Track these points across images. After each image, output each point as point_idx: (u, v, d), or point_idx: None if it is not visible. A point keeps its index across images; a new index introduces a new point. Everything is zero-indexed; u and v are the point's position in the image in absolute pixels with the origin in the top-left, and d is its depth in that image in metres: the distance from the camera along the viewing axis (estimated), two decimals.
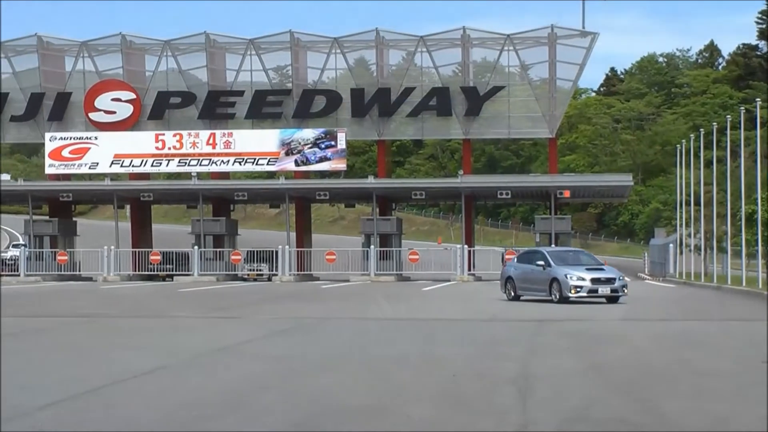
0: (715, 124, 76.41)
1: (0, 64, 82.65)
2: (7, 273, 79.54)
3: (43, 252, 78.89)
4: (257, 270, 76.74)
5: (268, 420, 15.66)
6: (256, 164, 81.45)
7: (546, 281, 44.80)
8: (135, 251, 79.69)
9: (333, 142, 78.93)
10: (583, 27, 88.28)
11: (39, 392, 18.30)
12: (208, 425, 15.29)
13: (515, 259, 51.06)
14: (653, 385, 19.48)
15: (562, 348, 26.42)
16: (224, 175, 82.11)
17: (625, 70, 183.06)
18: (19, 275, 77.43)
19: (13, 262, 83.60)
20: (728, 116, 75.29)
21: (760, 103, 62.09)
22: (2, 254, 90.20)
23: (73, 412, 16.56)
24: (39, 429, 13.42)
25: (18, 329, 32.61)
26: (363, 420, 15.71)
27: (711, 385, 19.88)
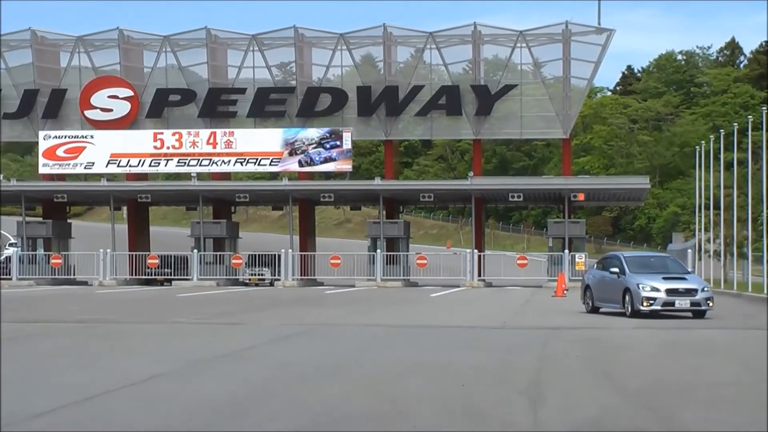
0: (735, 124, 76.41)
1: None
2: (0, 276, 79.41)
3: (36, 255, 79.01)
4: (259, 274, 76.69)
5: (272, 427, 15.87)
6: (259, 165, 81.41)
7: (620, 291, 40.51)
8: (132, 254, 79.76)
9: (338, 142, 78.97)
10: (599, 23, 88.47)
11: (35, 399, 18.51)
12: None
13: (594, 265, 47.69)
14: (666, 393, 19.68)
15: (573, 355, 26.62)
16: (225, 176, 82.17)
17: (642, 68, 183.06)
18: (11, 278, 77.45)
19: (4, 264, 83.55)
20: (749, 117, 75.35)
21: None
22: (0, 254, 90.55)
23: (71, 420, 16.80)
24: None
25: (12, 334, 32.83)
26: (363, 427, 15.93)
27: (725, 394, 20.10)
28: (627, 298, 39.67)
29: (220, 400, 18.61)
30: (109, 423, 16.27)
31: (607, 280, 42.11)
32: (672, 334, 33.57)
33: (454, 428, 15.84)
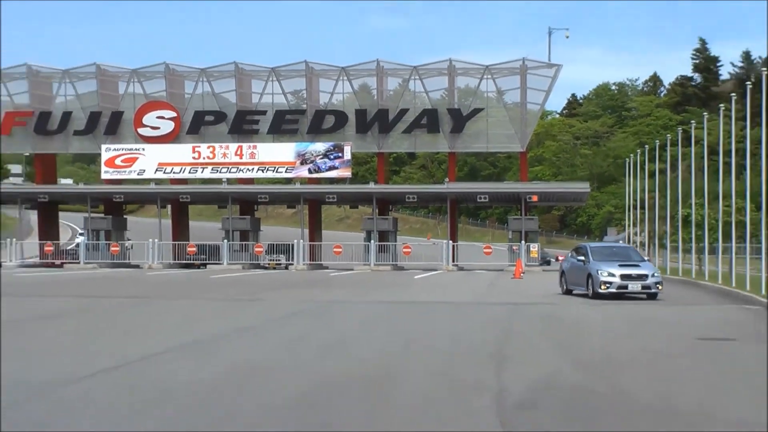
0: (657, 141, 76.47)
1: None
2: (69, 261, 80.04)
3: (99, 244, 78.91)
4: (276, 260, 76.66)
5: (282, 391, 15.43)
6: (276, 172, 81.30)
7: (584, 276, 39.40)
8: (175, 243, 79.63)
9: (340, 154, 78.87)
10: (549, 60, 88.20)
11: (97, 361, 18.09)
12: (224, 400, 15.03)
13: (570, 254, 45.26)
14: (610, 360, 19.31)
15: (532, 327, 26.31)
16: (249, 181, 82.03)
17: (583, 95, 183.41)
18: (79, 262, 77.53)
19: (74, 251, 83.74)
20: (668, 135, 75.47)
21: (695, 124, 61.87)
22: (73, 242, 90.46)
23: (124, 377, 16.34)
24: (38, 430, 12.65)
25: (78, 307, 32.45)
26: (360, 390, 15.49)
27: (653, 360, 19.70)
28: (590, 282, 38.58)
29: (237, 368, 18.19)
30: (143, 384, 15.83)
31: (576, 266, 41.16)
32: (593, 308, 33.36)
33: (438, 395, 15.36)
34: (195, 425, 12.71)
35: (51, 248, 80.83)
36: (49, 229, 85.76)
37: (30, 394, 14.89)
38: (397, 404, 14.31)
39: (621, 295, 37.73)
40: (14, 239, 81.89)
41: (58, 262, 78.91)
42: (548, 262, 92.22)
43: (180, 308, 33.73)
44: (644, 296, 38.30)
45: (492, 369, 17.79)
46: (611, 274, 37.81)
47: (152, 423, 12.79)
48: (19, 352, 20.54)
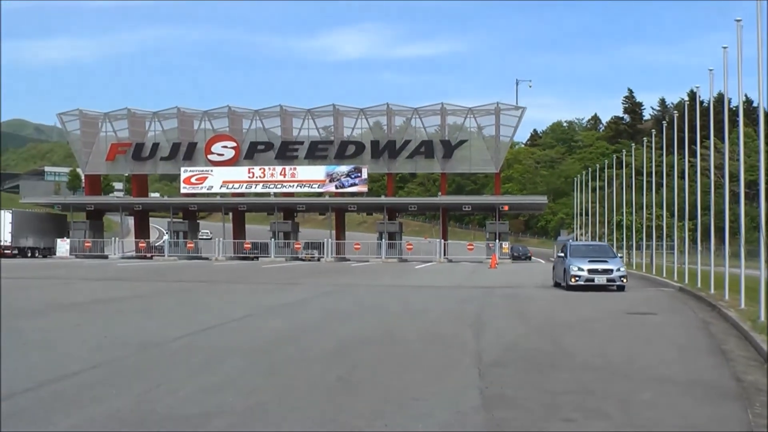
0: (597, 165, 76.73)
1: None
2: (157, 254, 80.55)
3: (178, 241, 79.03)
4: (311, 254, 76.61)
5: (316, 348, 15.81)
6: (311, 187, 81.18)
7: (562, 270, 35.43)
8: (235, 241, 79.59)
9: (359, 174, 78.80)
10: (517, 103, 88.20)
11: (171, 330, 18.45)
12: (276, 354, 15.41)
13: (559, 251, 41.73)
14: (556, 327, 19.60)
15: (501, 303, 26.57)
16: (290, 194, 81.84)
17: (542, 130, 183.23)
18: (164, 255, 78.07)
19: (161, 247, 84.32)
20: (606, 161, 75.67)
21: (625, 153, 62.20)
22: (160, 240, 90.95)
23: (199, 340, 16.71)
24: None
25: (161, 290, 32.78)
26: (375, 346, 15.85)
27: (592, 327, 20.02)
28: (565, 275, 34.36)
29: (284, 331, 18.54)
30: (217, 343, 16.20)
31: (559, 262, 37.18)
32: (550, 291, 33.58)
33: (431, 349, 15.70)
34: (259, 369, 13.16)
35: (144, 245, 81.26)
36: (142, 231, 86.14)
37: (152, 347, 15.34)
38: (398, 356, 14.71)
39: (589, 287, 33.31)
40: (117, 238, 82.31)
41: (149, 255, 79.19)
42: (529, 258, 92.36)
43: (242, 289, 34.08)
44: (614, 287, 33.78)
45: (471, 332, 18.18)
46: (580, 269, 33.82)
47: (232, 364, 13.23)
48: (139, 320, 20.99)
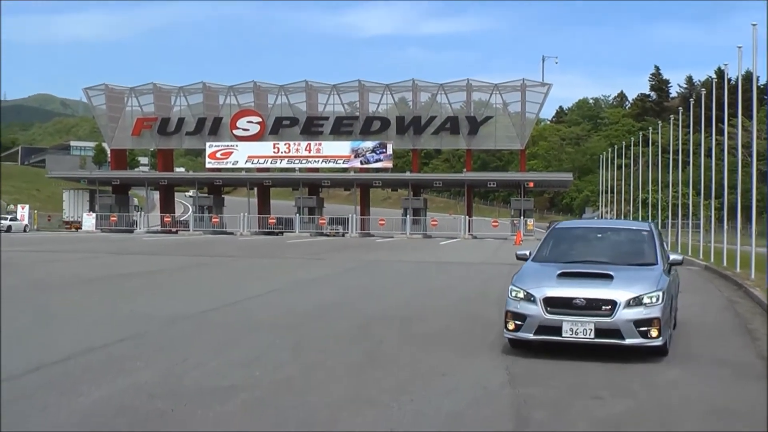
0: (623, 142, 76.27)
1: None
2: (182, 228, 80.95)
3: (203, 216, 79.31)
4: (335, 229, 76.69)
5: (341, 324, 15.86)
6: (336, 163, 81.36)
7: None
8: (259, 217, 79.81)
9: (384, 150, 78.81)
10: (543, 80, 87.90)
11: (200, 303, 18.55)
12: (302, 329, 15.47)
13: None
14: None
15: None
16: (315, 170, 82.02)
17: (568, 107, 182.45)
18: (189, 230, 78.30)
19: (185, 221, 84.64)
20: (631, 138, 75.33)
21: (651, 130, 61.89)
22: (186, 214, 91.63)
23: (226, 315, 16.82)
24: None
25: (187, 264, 32.92)
26: (401, 323, 15.90)
27: None
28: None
29: (310, 307, 18.61)
30: (242, 318, 16.29)
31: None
32: None
33: (457, 326, 15.73)
34: (285, 344, 13.24)
35: (169, 219, 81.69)
36: (167, 205, 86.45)
37: (178, 321, 15.46)
38: (424, 333, 14.75)
39: (552, 345, 15.80)
40: (143, 212, 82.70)
41: (174, 229, 79.58)
42: None
43: (268, 264, 34.18)
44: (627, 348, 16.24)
45: (497, 309, 18.20)
46: (529, 297, 12.85)
47: (258, 338, 13.32)
48: (164, 294, 21.12)
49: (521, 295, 12.91)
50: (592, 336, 12.10)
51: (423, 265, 34.57)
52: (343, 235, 74.22)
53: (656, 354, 12.23)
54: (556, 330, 12.32)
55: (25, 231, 75.95)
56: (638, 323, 12.10)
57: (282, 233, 75.28)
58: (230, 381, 10.38)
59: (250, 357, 12.17)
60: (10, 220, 76.90)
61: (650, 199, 64.74)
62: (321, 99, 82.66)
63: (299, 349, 12.97)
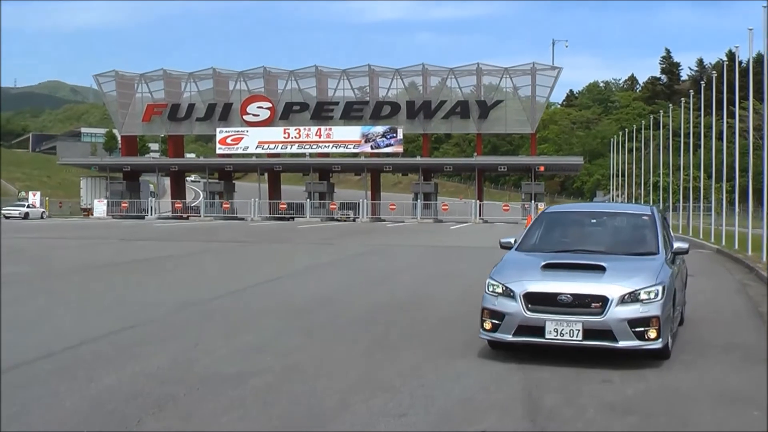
0: (634, 126, 76.10)
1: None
2: (193, 214, 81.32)
3: (214, 202, 79.45)
4: (346, 214, 76.75)
5: (350, 309, 15.87)
6: (346, 148, 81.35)
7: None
8: (270, 202, 79.84)
9: (395, 135, 78.74)
10: (553, 63, 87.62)
11: (210, 289, 18.57)
12: (312, 315, 15.49)
13: None
14: None
15: None
16: (325, 155, 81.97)
17: (578, 91, 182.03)
18: (200, 216, 78.53)
19: (196, 207, 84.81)
20: (642, 121, 75.02)
21: (662, 113, 61.70)
22: (196, 200, 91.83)
23: (232, 302, 16.84)
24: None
25: (199, 249, 32.96)
26: (412, 308, 15.90)
27: None
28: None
29: (320, 292, 18.62)
30: (252, 304, 16.31)
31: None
32: None
33: (466, 311, 15.73)
34: (295, 330, 13.26)
35: (180, 205, 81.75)
36: (178, 191, 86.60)
37: (189, 307, 15.49)
38: (435, 318, 14.75)
39: (532, 347, 14.29)
40: (153, 198, 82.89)
41: (185, 215, 79.66)
42: None
43: (278, 249, 34.20)
44: (621, 350, 12.59)
45: None
46: (508, 292, 11.34)
47: (268, 325, 13.35)
48: (174, 280, 21.16)
49: (499, 289, 11.45)
50: (580, 337, 10.63)
51: (434, 250, 34.56)
52: (353, 220, 74.26)
53: (656, 358, 10.92)
54: (539, 330, 10.84)
55: (42, 218, 76.69)
56: (633, 323, 10.64)
57: (293, 218, 75.32)
58: (241, 366, 10.41)
59: (260, 343, 12.20)
60: (28, 207, 78.00)
61: (661, 182, 64.62)
62: (331, 84, 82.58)
63: (310, 334, 12.98)
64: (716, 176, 43.94)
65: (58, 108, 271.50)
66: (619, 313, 10.61)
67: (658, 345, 10.63)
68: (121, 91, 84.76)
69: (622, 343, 10.55)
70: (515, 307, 11.00)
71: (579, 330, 10.60)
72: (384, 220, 74.22)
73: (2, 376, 9.73)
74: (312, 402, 8.84)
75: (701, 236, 43.38)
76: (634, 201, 74.05)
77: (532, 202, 72.37)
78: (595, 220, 13.69)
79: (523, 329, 10.91)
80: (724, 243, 36.05)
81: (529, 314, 10.88)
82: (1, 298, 15.92)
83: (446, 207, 77.11)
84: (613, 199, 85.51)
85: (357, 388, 9.40)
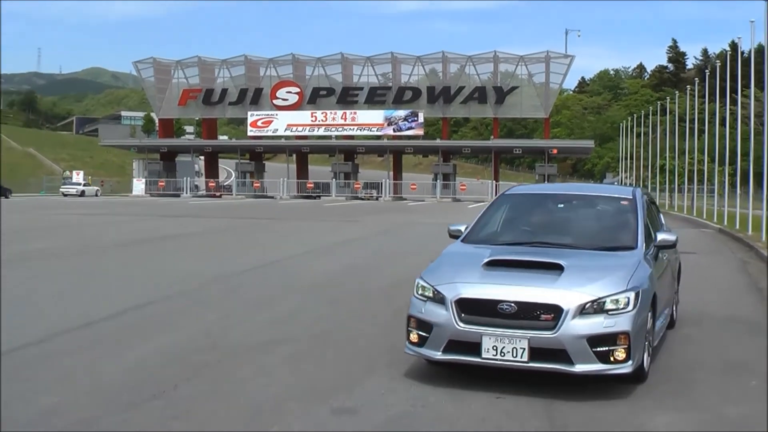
0: (642, 112, 75.68)
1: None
2: (225, 193, 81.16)
3: (245, 181, 79.64)
4: (370, 193, 76.79)
5: (374, 282, 15.87)
6: (370, 131, 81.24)
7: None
8: (298, 181, 80.00)
9: (416, 118, 78.67)
10: (566, 52, 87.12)
11: (239, 263, 18.59)
12: (337, 288, 15.49)
13: None
14: None
15: None
16: (350, 137, 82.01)
17: (590, 78, 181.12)
18: (232, 195, 78.56)
19: (228, 186, 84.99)
20: (650, 108, 74.57)
21: (668, 100, 61.32)
22: (229, 180, 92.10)
23: (255, 277, 16.87)
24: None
25: (228, 226, 33.04)
26: None
27: None
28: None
29: (345, 267, 18.64)
30: (283, 278, 16.33)
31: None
32: None
33: None
34: (321, 302, 13.27)
35: (213, 184, 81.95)
36: (212, 171, 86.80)
37: (220, 280, 15.54)
38: None
39: (466, 368, 9.91)
40: (188, 177, 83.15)
41: (218, 194, 79.79)
42: None
43: (305, 226, 34.22)
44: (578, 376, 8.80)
45: None
46: (437, 297, 8.39)
47: (295, 297, 13.38)
48: (206, 254, 21.22)
49: (429, 293, 8.45)
50: (525, 358, 7.73)
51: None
52: (377, 199, 74.29)
53: (627, 382, 8.14)
54: (474, 347, 7.91)
55: (96, 195, 78.03)
56: (595, 340, 7.68)
57: (319, 197, 75.37)
58: (271, 336, 10.45)
59: (288, 314, 12.24)
60: (84, 185, 79.97)
61: (667, 165, 64.18)
62: (356, 70, 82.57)
63: (335, 306, 13.00)
64: (719, 160, 43.66)
65: (100, 93, 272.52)
66: (576, 327, 7.69)
67: (626, 369, 7.81)
68: (158, 76, 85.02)
69: (579, 367, 7.68)
70: (445, 317, 8.11)
71: (524, 348, 7.74)
72: (405, 199, 74.20)
73: (47, 344, 9.82)
74: (340, 368, 8.85)
75: (704, 216, 43.17)
76: (641, 182, 73.64)
77: (546, 182, 72.13)
78: (562, 205, 10.60)
79: (454, 345, 8.06)
80: (726, 223, 35.88)
81: (462, 326, 8.00)
82: (1, 280, 15.72)
83: (464, 187, 77.04)
84: (621, 182, 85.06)
85: (382, 354, 9.37)
